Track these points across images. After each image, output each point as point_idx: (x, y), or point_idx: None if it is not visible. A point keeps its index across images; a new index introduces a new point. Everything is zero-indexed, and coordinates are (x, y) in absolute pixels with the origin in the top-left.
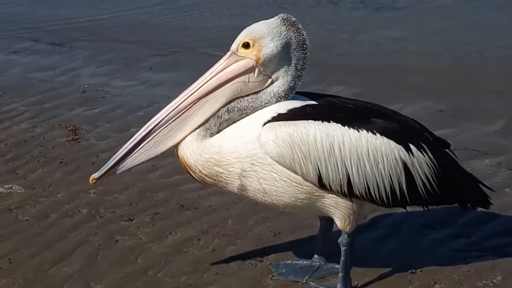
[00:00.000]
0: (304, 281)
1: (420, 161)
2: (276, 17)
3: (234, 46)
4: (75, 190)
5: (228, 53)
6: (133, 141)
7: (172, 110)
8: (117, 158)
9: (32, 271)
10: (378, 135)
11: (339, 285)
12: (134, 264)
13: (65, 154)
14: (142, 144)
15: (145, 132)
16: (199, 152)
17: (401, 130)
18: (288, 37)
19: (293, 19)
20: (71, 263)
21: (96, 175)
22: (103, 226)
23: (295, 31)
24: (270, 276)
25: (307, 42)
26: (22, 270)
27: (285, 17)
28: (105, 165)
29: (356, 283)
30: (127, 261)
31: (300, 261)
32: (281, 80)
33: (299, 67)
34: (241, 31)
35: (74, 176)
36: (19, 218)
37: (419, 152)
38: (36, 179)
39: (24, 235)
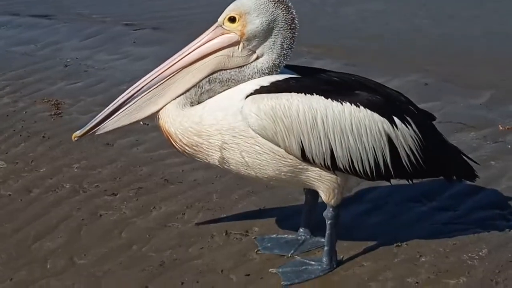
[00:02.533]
0: (289, 255)
1: (404, 133)
2: None
3: (220, 19)
4: (58, 165)
5: (215, 25)
6: (115, 103)
7: (155, 77)
8: (99, 119)
9: (15, 246)
10: (361, 107)
11: (324, 259)
12: (118, 239)
13: (48, 129)
14: (124, 108)
15: (128, 96)
16: (179, 120)
17: (385, 102)
18: (275, 15)
19: None
20: (54, 238)
21: (78, 133)
22: (87, 201)
23: (283, 9)
24: (256, 250)
25: (296, 22)
26: (5, 245)
27: None
28: (87, 124)
29: (342, 256)
30: (111, 236)
31: (286, 235)
32: (266, 57)
33: (285, 46)
34: (226, 5)
35: (57, 150)
36: (1, 193)
37: (403, 125)
38: (19, 154)
39: (7, 210)
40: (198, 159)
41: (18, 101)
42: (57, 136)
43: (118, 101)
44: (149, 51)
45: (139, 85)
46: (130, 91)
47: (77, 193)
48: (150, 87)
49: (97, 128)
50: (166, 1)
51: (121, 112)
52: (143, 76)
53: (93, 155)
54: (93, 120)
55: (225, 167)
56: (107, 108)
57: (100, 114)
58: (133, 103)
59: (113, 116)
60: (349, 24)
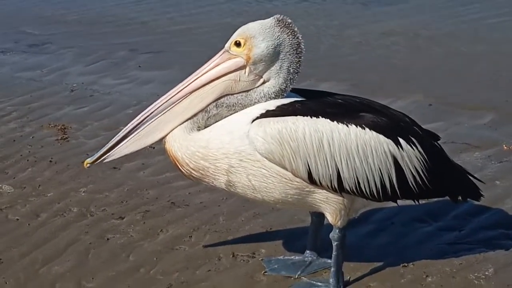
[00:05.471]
0: (296, 276)
1: (409, 154)
2: (271, 18)
3: (227, 44)
4: (65, 189)
5: (222, 51)
6: (125, 130)
7: (164, 103)
8: (109, 145)
9: (23, 270)
10: (367, 129)
11: (331, 280)
12: (125, 262)
13: (55, 153)
14: (133, 134)
15: (137, 122)
16: (185, 144)
17: (390, 124)
18: (281, 39)
19: (289, 20)
20: (62, 262)
21: (89, 160)
22: (94, 224)
23: (289, 33)
24: (263, 272)
25: (302, 46)
26: (13, 270)
27: (280, 18)
28: (98, 151)
29: (349, 277)
30: (118, 259)
31: (292, 257)
32: (272, 81)
33: (291, 70)
34: (231, 29)
35: (64, 175)
36: (9, 217)
37: (408, 146)
38: (26, 179)
39: (15, 234)
40: (205, 183)
41: (25, 126)
42: (64, 160)
43: (128, 127)
44: (154, 75)
45: (148, 111)
46: (140, 118)
47: (85, 217)
48: (159, 113)
49: (108, 154)
50: (169, 27)
51: (130, 139)
52: (149, 100)
53: (100, 179)
54: (104, 147)
55: (232, 190)
56: (118, 135)
57: (111, 141)
58: (142, 129)
59: (122, 143)
60: (353, 46)
